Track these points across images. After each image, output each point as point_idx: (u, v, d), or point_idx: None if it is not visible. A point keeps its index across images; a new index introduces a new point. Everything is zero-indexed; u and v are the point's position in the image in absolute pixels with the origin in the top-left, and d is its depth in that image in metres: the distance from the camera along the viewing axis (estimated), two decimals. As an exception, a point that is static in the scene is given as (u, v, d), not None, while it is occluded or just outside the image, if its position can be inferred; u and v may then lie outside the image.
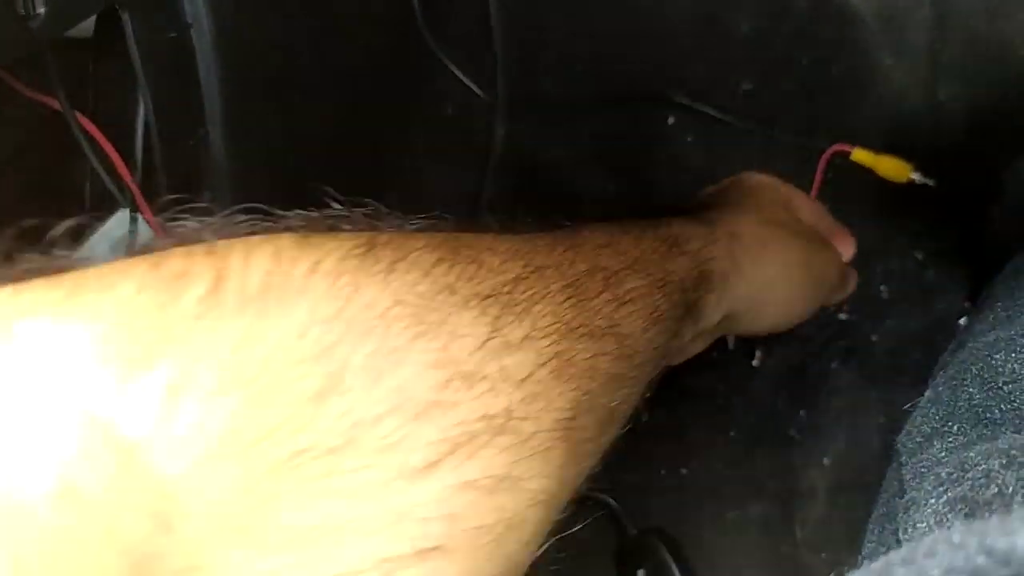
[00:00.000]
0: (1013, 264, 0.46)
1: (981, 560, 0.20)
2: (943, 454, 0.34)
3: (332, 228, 0.27)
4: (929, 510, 0.31)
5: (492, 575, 0.26)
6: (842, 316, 0.63)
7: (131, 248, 0.45)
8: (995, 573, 0.20)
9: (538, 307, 0.28)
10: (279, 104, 0.48)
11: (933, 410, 0.37)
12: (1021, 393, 0.34)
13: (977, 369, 0.36)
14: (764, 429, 0.64)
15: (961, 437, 0.34)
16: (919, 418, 0.37)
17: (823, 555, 0.62)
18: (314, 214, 0.27)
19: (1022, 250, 0.47)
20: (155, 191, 0.45)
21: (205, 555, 0.21)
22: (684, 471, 0.64)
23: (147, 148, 0.45)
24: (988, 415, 0.34)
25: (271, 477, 0.22)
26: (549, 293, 0.29)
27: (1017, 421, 0.33)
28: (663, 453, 0.62)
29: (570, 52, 0.61)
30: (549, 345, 0.28)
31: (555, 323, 0.29)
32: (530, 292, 0.29)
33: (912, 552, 0.22)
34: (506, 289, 0.28)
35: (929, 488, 0.32)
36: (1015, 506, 0.29)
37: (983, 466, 0.31)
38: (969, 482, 0.31)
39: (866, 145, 0.59)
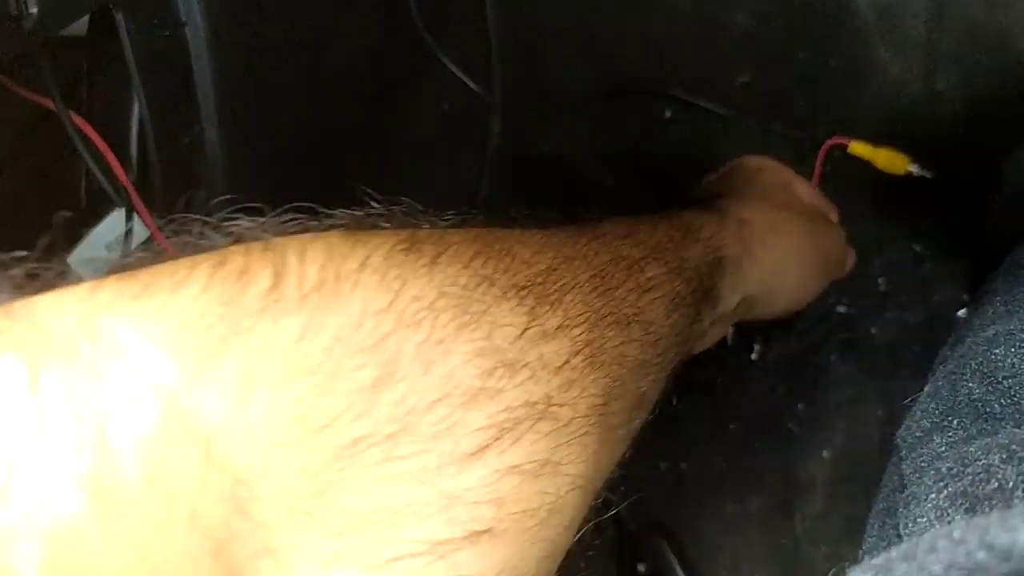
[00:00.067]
0: (1012, 257, 0.46)
1: (982, 556, 0.20)
2: (943, 449, 0.34)
3: (373, 226, 0.28)
4: (929, 505, 0.31)
5: (536, 558, 0.27)
6: (841, 309, 0.63)
7: (127, 247, 0.45)
8: (996, 569, 0.20)
9: (569, 296, 0.30)
10: (274, 101, 0.48)
11: (933, 405, 0.37)
12: (1021, 388, 0.34)
13: (977, 364, 0.36)
14: (763, 422, 0.64)
15: (961, 432, 0.34)
16: (919, 413, 0.37)
17: (822, 548, 0.62)
18: (357, 212, 0.29)
19: (1021, 242, 0.47)
20: (151, 190, 0.45)
21: (276, 538, 0.22)
22: (683, 465, 0.64)
23: (142, 147, 0.44)
24: (988, 410, 0.34)
25: (334, 463, 0.23)
26: (578, 283, 0.31)
27: (1017, 416, 0.33)
28: (662, 447, 0.62)
29: (566, 45, 0.61)
30: (582, 333, 0.29)
31: (586, 311, 0.30)
32: (561, 282, 0.30)
33: (913, 548, 0.22)
34: (539, 280, 0.29)
35: (929, 483, 0.32)
36: (1015, 501, 0.29)
37: (983, 461, 0.31)
38: (969, 477, 0.31)
39: (864, 137, 0.59)
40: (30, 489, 0.19)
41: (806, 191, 0.56)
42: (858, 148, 0.59)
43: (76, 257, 0.46)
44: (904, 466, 0.35)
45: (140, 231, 0.45)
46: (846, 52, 0.59)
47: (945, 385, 0.37)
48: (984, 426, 0.34)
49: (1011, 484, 0.30)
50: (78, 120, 0.42)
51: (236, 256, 0.24)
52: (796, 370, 0.63)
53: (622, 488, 0.33)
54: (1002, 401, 0.34)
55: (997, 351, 0.35)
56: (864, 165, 0.59)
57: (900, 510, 0.33)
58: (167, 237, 0.27)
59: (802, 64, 0.60)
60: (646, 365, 0.33)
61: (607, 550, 0.62)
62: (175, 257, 0.25)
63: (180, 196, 0.45)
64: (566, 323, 0.29)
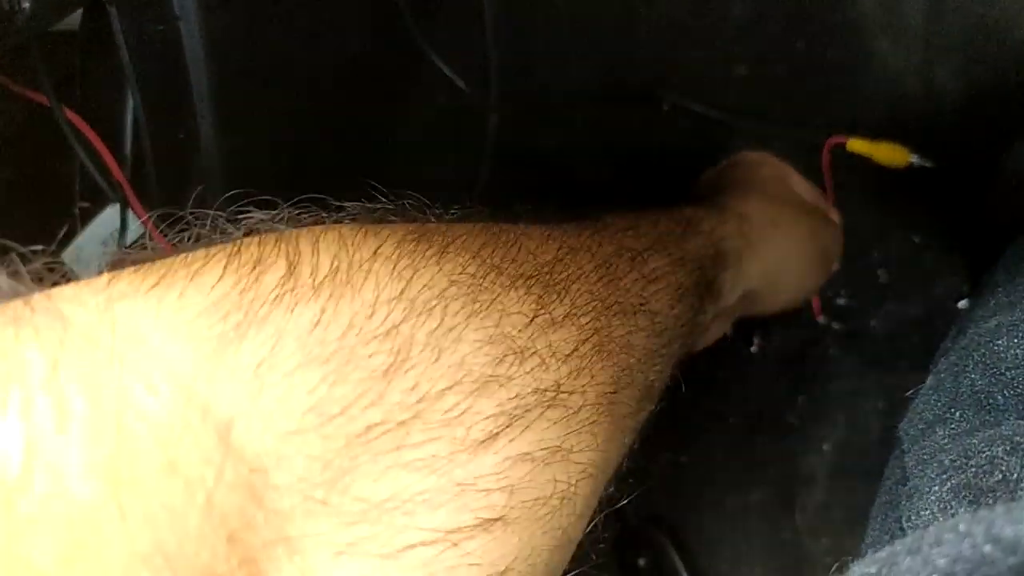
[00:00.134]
0: (1014, 248, 0.46)
1: (988, 548, 0.20)
2: (946, 441, 0.34)
3: (383, 219, 0.29)
4: (933, 497, 0.31)
5: (549, 547, 0.27)
6: (840, 301, 0.63)
7: (122, 243, 0.45)
8: (1002, 561, 0.20)
9: (575, 286, 0.30)
10: (268, 96, 0.48)
11: (935, 397, 0.37)
12: (1024, 379, 0.34)
13: (979, 355, 0.36)
14: (763, 415, 0.64)
15: (964, 424, 0.34)
16: (921, 405, 0.37)
17: (823, 540, 0.62)
18: (367, 205, 0.29)
19: (1022, 233, 0.47)
20: (145, 185, 0.45)
21: (291, 527, 0.22)
22: (683, 459, 0.64)
23: (136, 142, 0.44)
24: (991, 401, 0.34)
25: (347, 451, 0.23)
26: (583, 273, 0.31)
27: (1020, 407, 0.33)
28: (662, 441, 0.62)
29: (562, 38, 0.61)
30: (589, 321, 0.30)
31: (592, 301, 0.30)
32: (566, 273, 0.30)
33: (918, 541, 0.22)
34: (545, 270, 0.29)
35: (932, 475, 0.32)
36: (1020, 493, 0.29)
37: (987, 453, 0.31)
38: (973, 469, 0.31)
39: (864, 127, 0.59)
40: (49, 477, 0.19)
41: (803, 187, 0.56)
42: (856, 145, 0.58)
43: (71, 253, 0.45)
44: (906, 459, 0.35)
45: (135, 227, 0.45)
46: (845, 43, 0.59)
47: (948, 377, 0.37)
48: (987, 418, 0.34)
49: (1015, 476, 0.29)
50: (72, 115, 0.42)
51: (251, 246, 0.24)
52: (796, 362, 0.63)
53: (629, 480, 0.33)
54: (1005, 392, 0.34)
55: (1000, 342, 0.35)
56: (863, 157, 0.59)
57: (903, 503, 0.33)
58: (180, 231, 0.27)
59: (801, 56, 0.60)
60: (652, 355, 0.33)
61: (607, 544, 0.62)
62: (189, 247, 0.25)
63: (175, 191, 0.45)
64: (573, 311, 0.29)
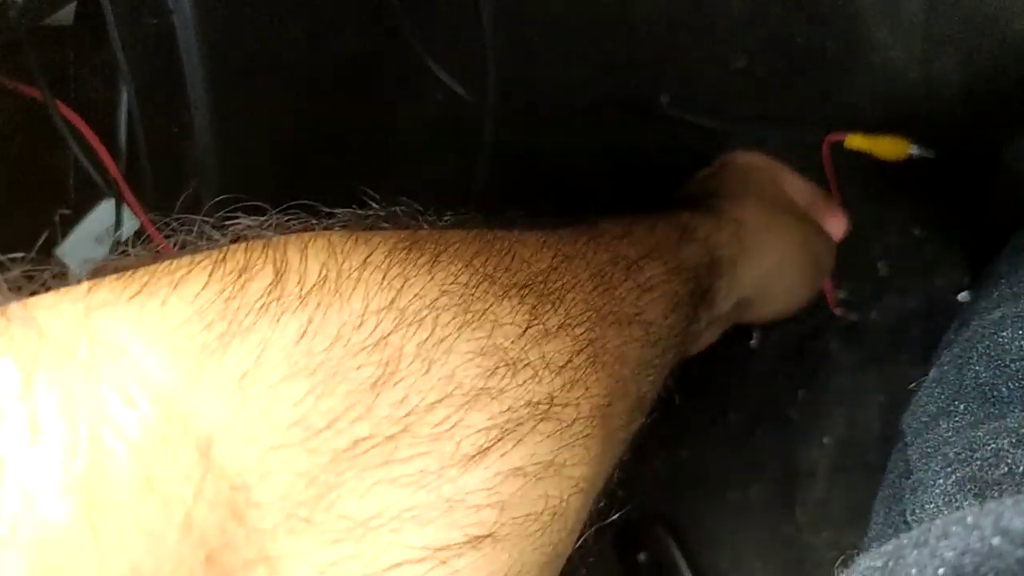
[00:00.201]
0: (1015, 239, 0.46)
1: (996, 541, 0.20)
2: (950, 434, 0.34)
3: (374, 226, 0.28)
4: (937, 491, 0.31)
5: (539, 564, 0.26)
6: (840, 294, 0.62)
7: (117, 238, 0.44)
8: (1011, 554, 0.19)
9: (570, 295, 0.29)
10: (264, 90, 0.47)
11: (938, 390, 0.36)
12: (1029, 371, 0.34)
13: (983, 347, 0.36)
14: (763, 410, 0.63)
15: (968, 416, 0.34)
16: (924, 398, 0.37)
17: (824, 535, 0.62)
18: (359, 212, 0.28)
19: (1023, 224, 0.47)
20: (140, 180, 0.44)
21: (273, 546, 0.22)
22: (683, 454, 0.63)
23: (131, 137, 0.44)
24: (995, 393, 0.34)
25: (334, 466, 0.22)
26: (578, 282, 0.30)
27: (1026, 399, 0.33)
28: (662, 436, 0.62)
29: (560, 37, 0.60)
30: (583, 332, 0.29)
31: (587, 311, 0.30)
32: (561, 281, 0.30)
33: (924, 534, 0.21)
34: (539, 279, 0.29)
35: (937, 468, 0.32)
36: (1026, 485, 0.29)
37: (992, 445, 0.31)
38: (978, 462, 0.30)
39: (863, 120, 0.58)
40: (19, 496, 0.18)
41: (799, 186, 0.56)
42: (855, 141, 0.58)
43: (65, 249, 0.45)
44: (910, 452, 0.35)
45: (130, 222, 0.45)
46: (844, 36, 0.58)
47: (951, 369, 0.37)
48: (992, 410, 0.34)
49: (1021, 468, 0.29)
50: (65, 110, 0.41)
51: (237, 253, 0.24)
52: (796, 357, 0.63)
53: (629, 477, 0.33)
54: (1010, 384, 0.34)
55: (1004, 334, 0.35)
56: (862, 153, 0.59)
57: (907, 496, 0.33)
58: (166, 236, 0.26)
59: (800, 48, 0.59)
60: (646, 366, 0.33)
61: (608, 540, 0.62)
62: (173, 254, 0.24)
63: (169, 186, 0.45)
64: (568, 322, 0.28)
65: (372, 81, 0.54)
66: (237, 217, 0.26)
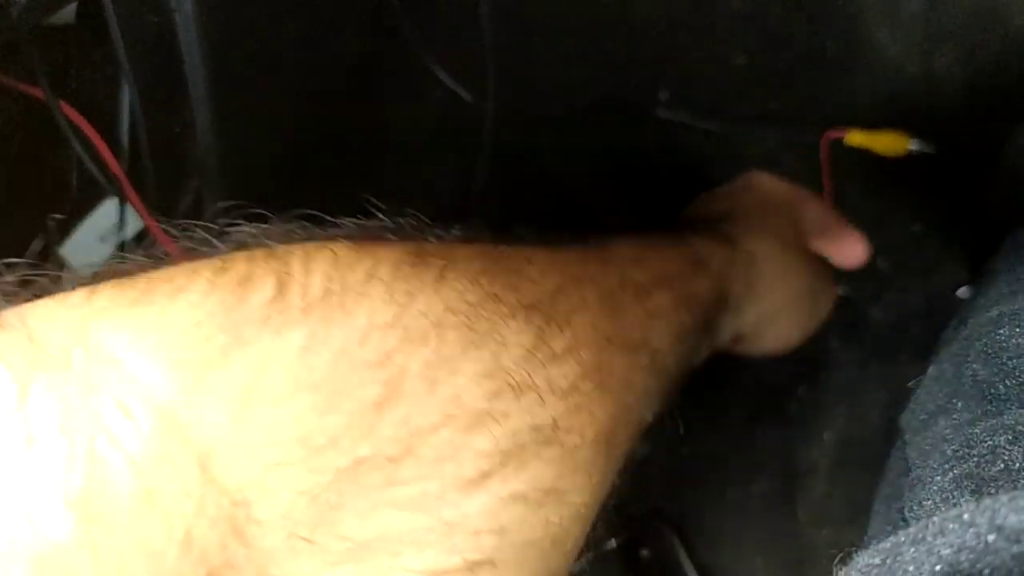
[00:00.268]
0: (1014, 237, 0.46)
1: (992, 538, 0.20)
2: (948, 431, 0.34)
3: (379, 237, 0.27)
4: (935, 488, 0.31)
5: None
6: (841, 291, 0.62)
7: (120, 237, 0.45)
8: (1006, 550, 0.20)
9: (577, 317, 0.28)
10: (266, 89, 0.47)
11: (937, 387, 0.37)
12: (1026, 368, 0.34)
13: (981, 345, 0.36)
14: (764, 407, 0.63)
15: (966, 414, 0.34)
16: (923, 395, 0.37)
17: (824, 531, 0.62)
18: (364, 222, 0.27)
19: (1022, 222, 0.47)
20: (143, 178, 0.44)
21: (274, 566, 0.21)
22: (685, 450, 0.63)
23: (133, 135, 0.44)
24: (993, 391, 0.34)
25: (335, 486, 0.22)
26: (586, 304, 0.29)
27: (1022, 396, 0.33)
28: (662, 433, 0.62)
29: (559, 38, 0.60)
30: (590, 356, 0.28)
31: (594, 334, 0.29)
32: (569, 303, 0.29)
33: (921, 531, 0.22)
34: (547, 299, 0.28)
35: (935, 466, 0.32)
36: (1022, 482, 0.29)
37: (989, 442, 0.31)
38: (975, 459, 0.31)
39: (864, 116, 0.58)
40: (15, 512, 0.18)
41: (817, 214, 0.53)
42: (855, 138, 0.58)
43: (68, 248, 0.45)
44: (908, 449, 0.35)
45: (133, 221, 0.45)
46: (844, 32, 0.58)
47: (949, 367, 0.37)
48: (989, 407, 0.34)
49: (1018, 465, 0.29)
50: (68, 109, 0.42)
51: (238, 263, 0.23)
52: (796, 353, 0.63)
53: (624, 475, 0.33)
54: (1007, 382, 0.34)
55: (1002, 331, 0.35)
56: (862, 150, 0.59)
57: (905, 493, 0.33)
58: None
59: (800, 45, 0.59)
60: (651, 393, 0.32)
61: (610, 537, 0.62)
62: (175, 259, 0.24)
63: (171, 184, 0.45)
64: (574, 344, 0.28)
65: (372, 81, 0.54)
66: (240, 224, 0.25)
